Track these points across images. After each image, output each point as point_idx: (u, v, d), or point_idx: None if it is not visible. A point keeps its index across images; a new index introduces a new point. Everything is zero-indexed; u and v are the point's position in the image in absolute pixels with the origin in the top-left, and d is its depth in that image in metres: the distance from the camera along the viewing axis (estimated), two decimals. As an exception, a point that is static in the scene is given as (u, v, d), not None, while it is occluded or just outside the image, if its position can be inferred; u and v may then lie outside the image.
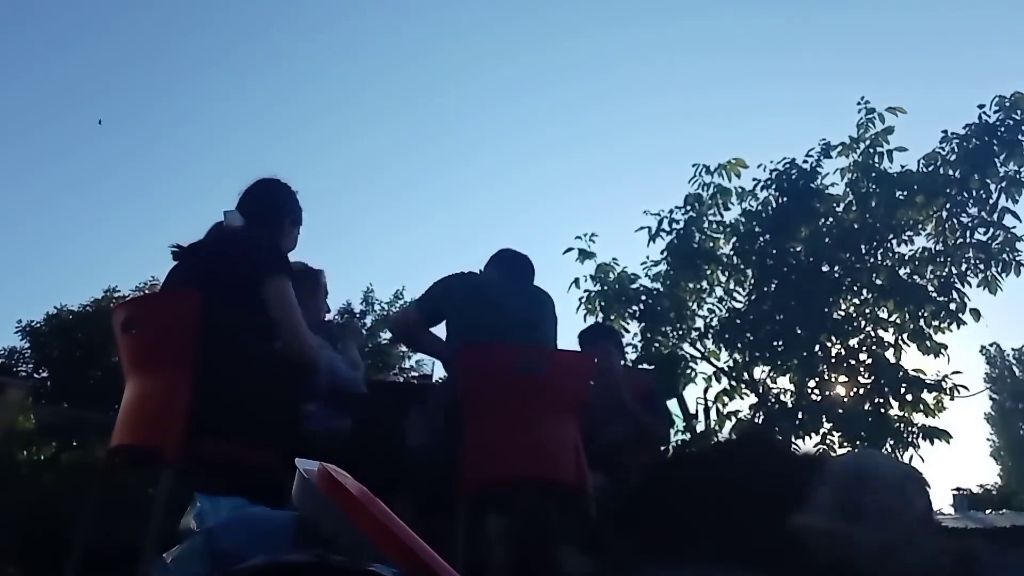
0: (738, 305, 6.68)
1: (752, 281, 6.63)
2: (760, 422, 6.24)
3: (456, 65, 42.51)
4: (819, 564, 2.27)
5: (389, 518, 1.22)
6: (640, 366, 6.22)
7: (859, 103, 6.37)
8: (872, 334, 6.29)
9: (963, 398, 5.97)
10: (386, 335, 21.40)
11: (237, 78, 37.55)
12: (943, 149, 6.18)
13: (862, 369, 6.18)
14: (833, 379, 6.31)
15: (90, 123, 36.98)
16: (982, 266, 6.00)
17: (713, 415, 6.50)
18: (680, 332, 6.73)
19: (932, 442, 5.84)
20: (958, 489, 19.76)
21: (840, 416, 6.05)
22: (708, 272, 6.73)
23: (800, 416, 6.12)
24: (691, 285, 6.76)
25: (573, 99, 42.31)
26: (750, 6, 39.15)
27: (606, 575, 2.68)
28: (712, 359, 6.64)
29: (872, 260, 6.32)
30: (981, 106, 6.00)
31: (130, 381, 2.36)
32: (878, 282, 6.27)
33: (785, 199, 6.47)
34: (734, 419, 6.48)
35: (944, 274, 6.11)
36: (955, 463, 37.92)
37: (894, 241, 6.32)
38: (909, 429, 5.91)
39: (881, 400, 5.97)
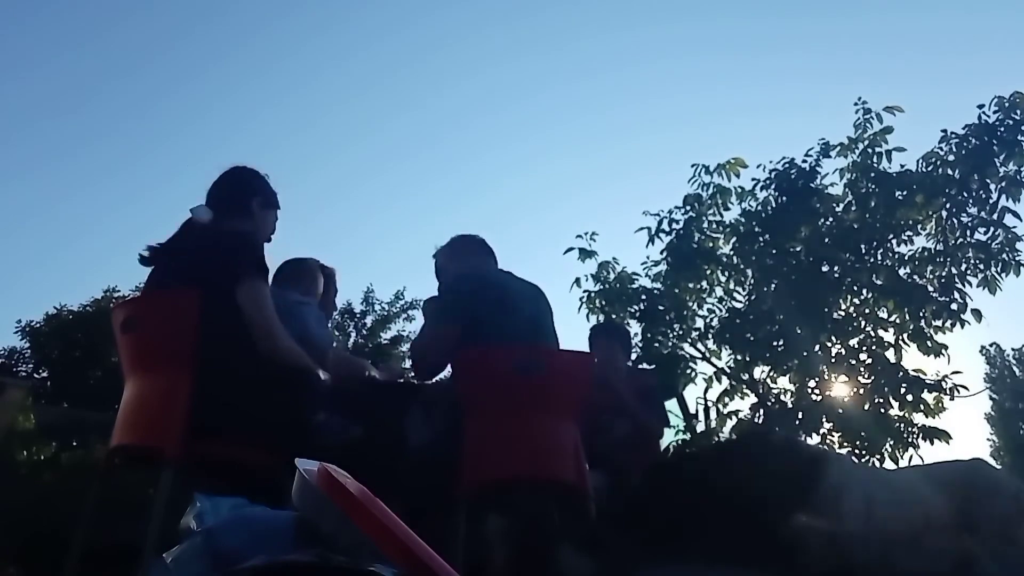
0: (738, 305, 6.66)
1: (752, 281, 6.61)
2: (760, 422, 6.24)
3: (457, 66, 42.55)
4: (819, 564, 2.27)
5: (389, 518, 1.22)
6: (640, 366, 6.21)
7: (856, 103, 6.36)
8: (872, 334, 6.26)
9: (963, 398, 5.95)
10: (386, 335, 21.46)
11: (238, 79, 37.63)
12: (942, 149, 6.15)
13: (862, 369, 6.16)
14: (833, 379, 6.29)
15: (90, 123, 37.00)
16: (982, 266, 5.99)
17: (713, 415, 6.50)
18: (680, 332, 6.71)
19: (932, 442, 5.82)
20: (958, 489, 19.74)
21: (840, 416, 6.04)
22: (708, 272, 6.70)
23: (800, 416, 6.11)
24: (691, 285, 6.73)
25: (573, 100, 42.40)
26: (750, 6, 39.21)
27: (606, 575, 2.68)
28: (712, 359, 6.63)
29: (872, 260, 6.30)
30: (980, 106, 5.98)
31: (130, 381, 2.36)
32: (878, 282, 6.25)
33: (784, 199, 6.45)
34: (734, 419, 6.48)
35: (944, 274, 6.10)
36: (955, 463, 37.86)
37: (894, 241, 6.29)
38: (909, 429, 5.89)
39: (881, 400, 5.96)
